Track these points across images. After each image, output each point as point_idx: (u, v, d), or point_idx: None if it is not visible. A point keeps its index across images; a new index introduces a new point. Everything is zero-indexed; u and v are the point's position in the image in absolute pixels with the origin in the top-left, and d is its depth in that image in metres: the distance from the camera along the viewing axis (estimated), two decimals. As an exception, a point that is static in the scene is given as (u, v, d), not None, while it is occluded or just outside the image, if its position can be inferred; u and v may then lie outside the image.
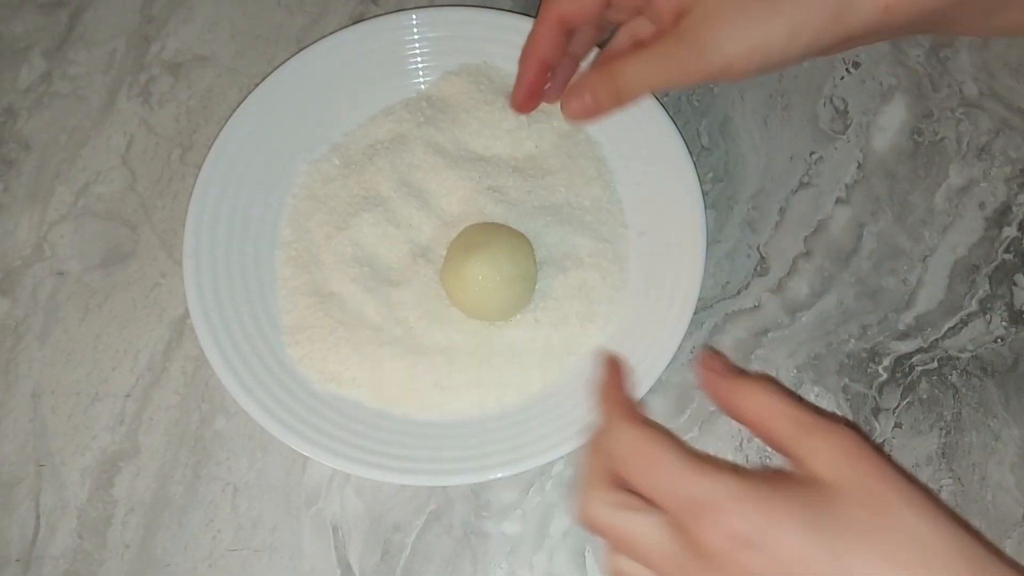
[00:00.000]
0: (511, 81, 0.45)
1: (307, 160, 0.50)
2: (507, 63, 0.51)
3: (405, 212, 0.48)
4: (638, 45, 0.40)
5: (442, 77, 0.51)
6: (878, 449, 0.33)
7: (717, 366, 0.38)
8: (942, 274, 0.49)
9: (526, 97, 0.44)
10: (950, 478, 0.45)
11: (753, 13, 0.36)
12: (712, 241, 0.49)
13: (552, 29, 0.41)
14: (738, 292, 0.49)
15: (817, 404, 0.46)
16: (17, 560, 0.45)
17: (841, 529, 0.30)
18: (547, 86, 0.45)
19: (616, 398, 0.39)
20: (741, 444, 0.46)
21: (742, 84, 0.52)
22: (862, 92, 0.52)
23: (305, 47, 0.50)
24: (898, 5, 0.35)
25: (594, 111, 0.40)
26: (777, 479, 0.32)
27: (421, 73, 0.51)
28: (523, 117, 0.49)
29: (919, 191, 0.50)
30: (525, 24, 0.50)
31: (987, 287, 0.48)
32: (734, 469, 0.32)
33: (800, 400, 0.35)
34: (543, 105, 0.46)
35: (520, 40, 0.50)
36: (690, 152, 0.47)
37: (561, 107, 0.41)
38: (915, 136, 0.51)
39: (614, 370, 0.42)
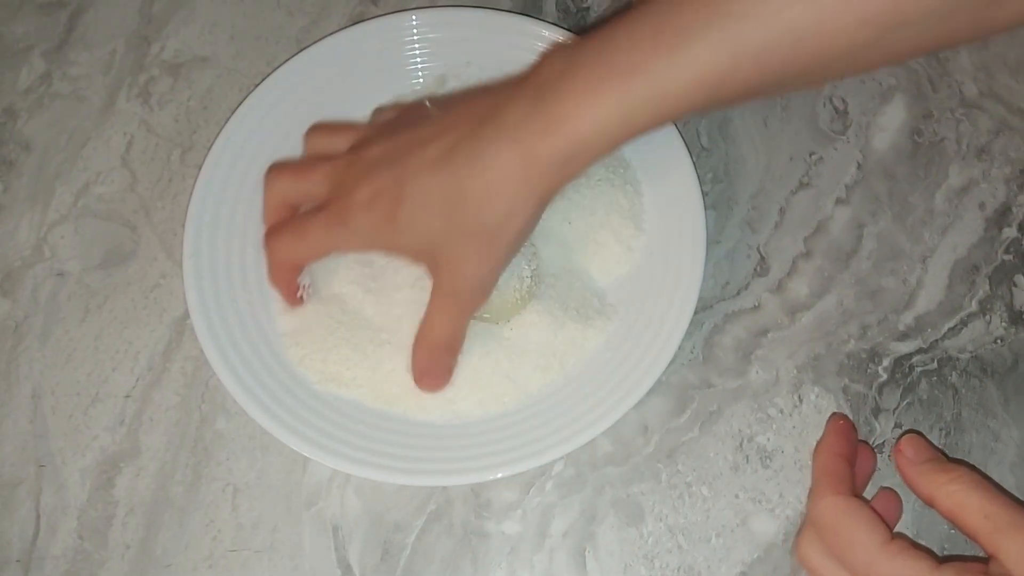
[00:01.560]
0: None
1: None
2: (506, 64, 0.51)
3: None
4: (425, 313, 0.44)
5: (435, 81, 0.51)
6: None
7: (913, 455, 0.40)
8: (942, 274, 0.49)
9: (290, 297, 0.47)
10: (950, 478, 0.45)
11: (477, 248, 0.40)
12: (712, 241, 0.49)
13: (286, 272, 0.46)
14: (738, 292, 0.49)
15: (817, 404, 0.46)
16: (17, 560, 0.45)
17: None
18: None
19: (831, 467, 0.40)
20: (741, 444, 0.46)
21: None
22: (862, 92, 0.52)
23: (305, 47, 0.50)
24: (581, 170, 0.38)
25: (446, 375, 0.45)
26: (971, 571, 0.34)
27: (421, 73, 0.51)
28: None
29: (919, 191, 0.50)
30: (525, 24, 0.50)
31: (987, 288, 0.48)
32: (930, 556, 0.35)
33: (998, 489, 0.36)
34: None
35: (520, 40, 0.51)
36: (690, 152, 0.47)
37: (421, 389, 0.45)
38: (915, 136, 0.51)
39: (840, 438, 0.42)
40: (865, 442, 0.45)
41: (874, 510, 0.38)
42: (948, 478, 0.37)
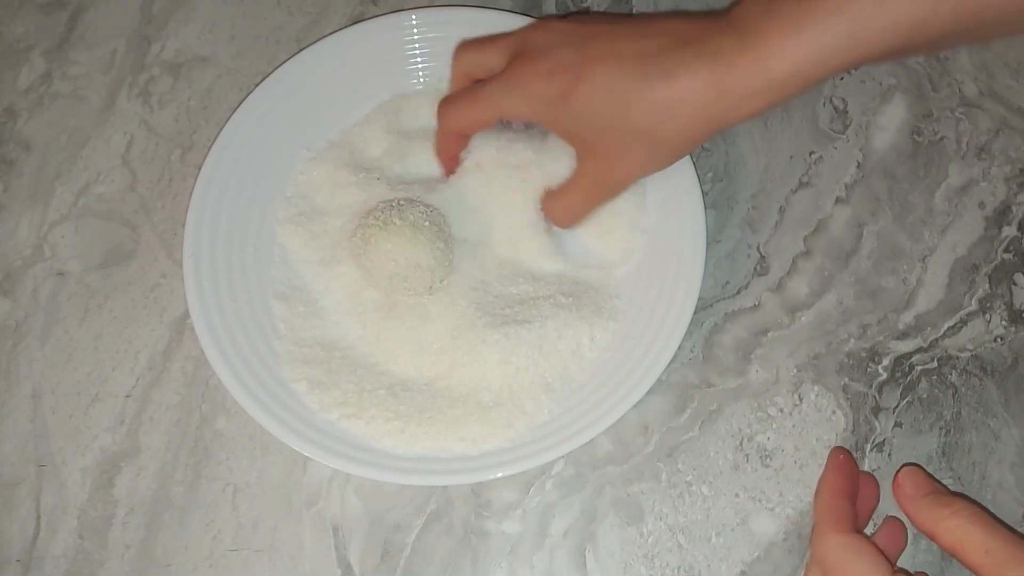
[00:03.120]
0: None
1: (306, 159, 0.50)
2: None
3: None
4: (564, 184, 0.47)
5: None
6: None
7: (913, 489, 0.39)
8: (942, 274, 0.49)
9: (452, 163, 0.49)
10: (950, 477, 0.45)
11: (637, 148, 0.41)
12: (712, 241, 0.49)
13: (453, 140, 0.48)
14: (738, 292, 0.49)
15: (817, 403, 0.46)
16: (18, 560, 0.45)
17: None
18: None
19: (833, 505, 0.40)
20: (741, 443, 0.46)
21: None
22: (862, 92, 0.52)
23: (305, 47, 0.50)
24: (762, 110, 0.39)
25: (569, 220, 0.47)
26: None
27: (420, 73, 0.51)
28: (519, 129, 0.49)
29: (919, 191, 0.50)
30: (525, 24, 0.50)
31: (987, 287, 0.48)
32: None
33: (998, 522, 0.36)
34: None
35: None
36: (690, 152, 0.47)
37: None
38: (915, 136, 0.51)
39: (841, 474, 0.42)
40: (869, 474, 0.45)
41: (876, 546, 0.38)
42: (948, 512, 0.37)
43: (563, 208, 0.46)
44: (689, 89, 0.39)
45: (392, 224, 0.45)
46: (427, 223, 0.45)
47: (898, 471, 0.41)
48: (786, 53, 0.37)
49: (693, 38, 0.39)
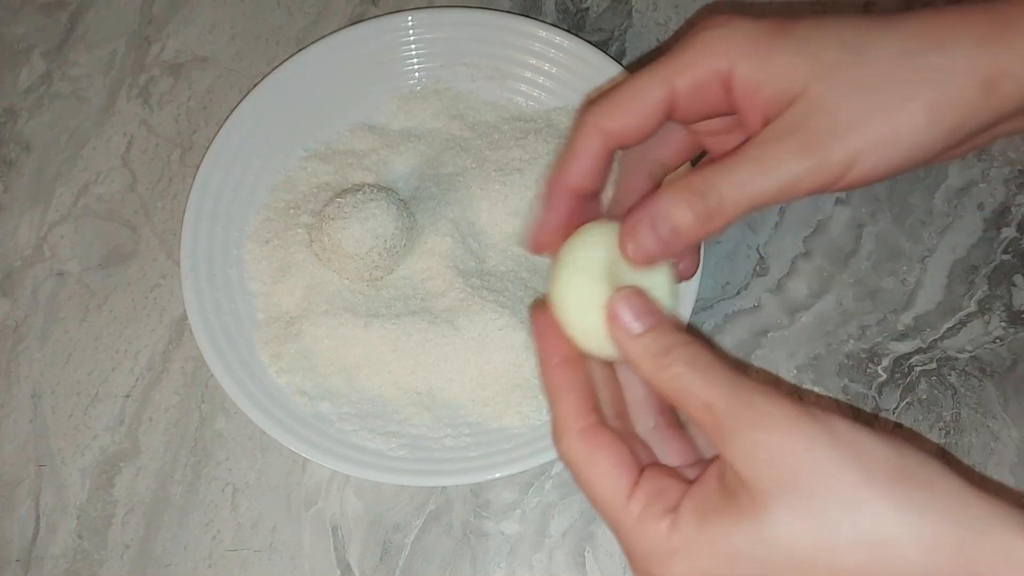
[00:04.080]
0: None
1: (304, 159, 0.50)
2: (505, 64, 0.51)
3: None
4: (722, 156, 0.30)
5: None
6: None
7: (630, 318, 0.29)
8: (941, 275, 0.49)
9: (550, 238, 0.33)
10: (949, 478, 0.45)
11: (878, 97, 0.28)
12: (712, 241, 0.49)
13: (593, 148, 0.31)
14: (738, 292, 0.49)
15: (817, 404, 0.46)
16: (17, 560, 0.45)
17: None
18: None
19: (557, 382, 0.31)
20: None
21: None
22: (861, 93, 0.52)
23: (303, 47, 0.50)
24: None
25: (673, 246, 0.30)
26: (712, 510, 0.27)
27: (418, 74, 0.51)
28: (516, 132, 0.48)
29: (918, 192, 0.50)
30: (524, 24, 0.50)
31: (986, 288, 0.48)
32: (672, 510, 0.27)
33: (725, 368, 0.28)
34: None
35: (519, 40, 0.50)
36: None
37: (621, 246, 0.30)
38: (914, 137, 0.51)
39: (547, 336, 0.32)
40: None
41: (617, 449, 0.29)
42: (667, 360, 0.28)
43: (721, 184, 0.29)
44: (956, 24, 0.28)
45: (343, 207, 0.45)
46: (384, 210, 0.45)
47: (613, 295, 0.30)
48: None
49: (949, 23, 0.29)
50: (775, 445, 0.26)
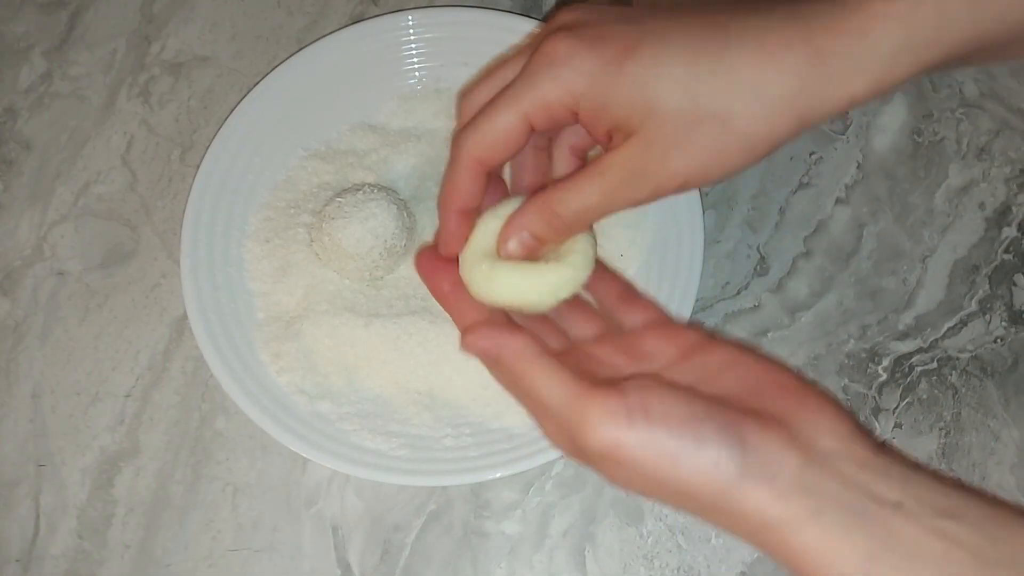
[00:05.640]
0: None
1: (305, 158, 0.50)
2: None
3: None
4: (575, 172, 0.35)
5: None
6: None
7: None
8: (942, 274, 0.49)
9: (452, 245, 0.38)
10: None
11: (702, 136, 0.32)
12: (712, 241, 0.49)
13: (471, 175, 0.36)
14: (738, 292, 0.49)
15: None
16: (17, 560, 0.45)
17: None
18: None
19: (454, 297, 0.37)
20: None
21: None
22: (862, 92, 0.52)
23: (303, 47, 0.50)
24: (865, 93, 0.31)
25: (536, 250, 0.36)
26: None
27: (418, 74, 0.51)
28: None
29: (919, 191, 0.50)
30: (523, 24, 0.50)
31: (987, 287, 0.48)
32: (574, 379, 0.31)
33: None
34: None
35: (519, 40, 0.50)
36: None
37: (497, 247, 0.36)
38: (915, 136, 0.51)
39: (433, 273, 0.38)
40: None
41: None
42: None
43: (570, 202, 0.34)
44: (777, 58, 0.31)
45: (343, 207, 0.45)
46: (384, 210, 0.45)
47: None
48: (897, 18, 0.30)
49: (778, 9, 0.32)
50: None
